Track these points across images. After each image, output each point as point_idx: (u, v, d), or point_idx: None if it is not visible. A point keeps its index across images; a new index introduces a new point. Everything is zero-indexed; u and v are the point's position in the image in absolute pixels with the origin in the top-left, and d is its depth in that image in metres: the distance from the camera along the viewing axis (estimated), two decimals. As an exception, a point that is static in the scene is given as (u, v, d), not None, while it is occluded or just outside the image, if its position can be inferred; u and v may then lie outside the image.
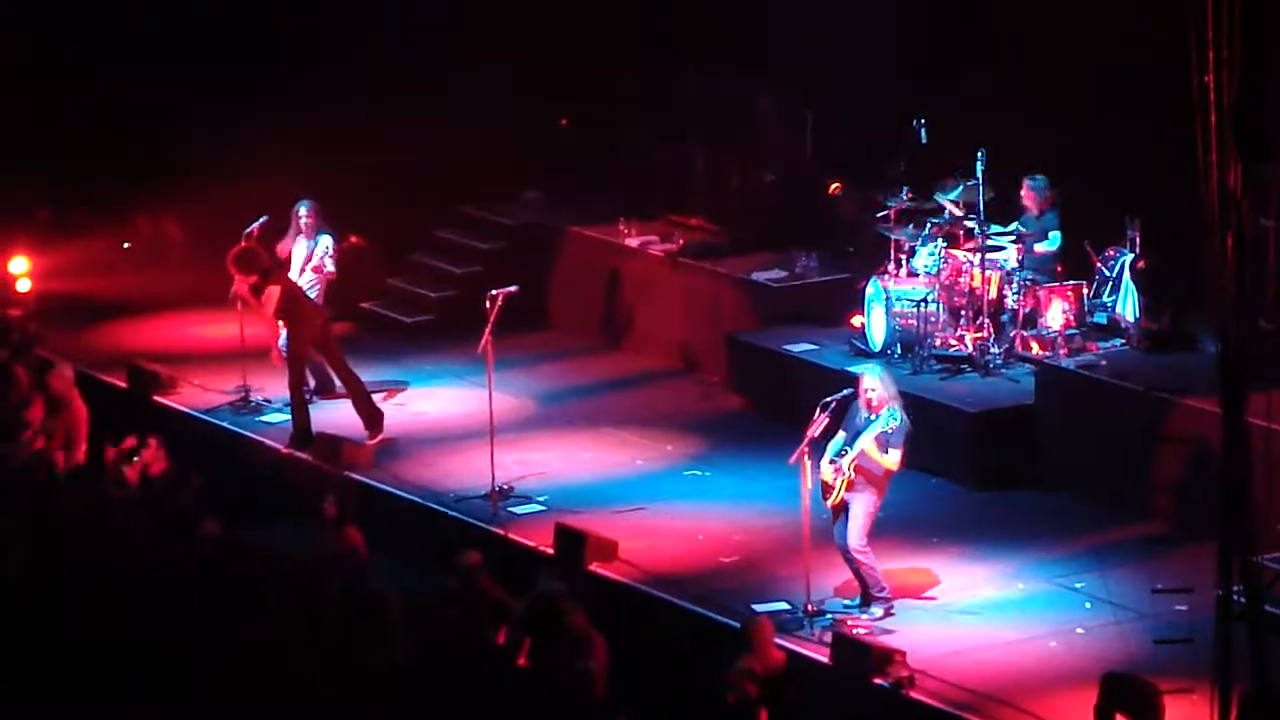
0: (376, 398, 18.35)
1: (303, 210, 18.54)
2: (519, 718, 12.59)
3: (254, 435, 18.12)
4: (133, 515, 15.49)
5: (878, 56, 19.44)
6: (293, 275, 18.43)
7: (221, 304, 18.81)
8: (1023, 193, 17.77)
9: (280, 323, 17.89)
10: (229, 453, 18.03)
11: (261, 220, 18.47)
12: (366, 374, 19.21)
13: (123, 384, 19.20)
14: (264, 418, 18.42)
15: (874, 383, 14.55)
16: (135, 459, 16.62)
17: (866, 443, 14.38)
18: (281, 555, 15.02)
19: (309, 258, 18.51)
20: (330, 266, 18.52)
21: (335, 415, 18.33)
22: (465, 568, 14.39)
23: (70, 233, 22.48)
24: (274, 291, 17.70)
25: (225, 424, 18.38)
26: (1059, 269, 17.70)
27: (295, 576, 14.68)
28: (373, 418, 17.87)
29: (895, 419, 14.39)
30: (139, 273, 22.17)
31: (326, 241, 18.55)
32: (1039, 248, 17.62)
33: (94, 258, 22.36)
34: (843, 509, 14.51)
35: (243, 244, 17.99)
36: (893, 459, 14.45)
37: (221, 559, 14.47)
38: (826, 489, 14.50)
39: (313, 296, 18.44)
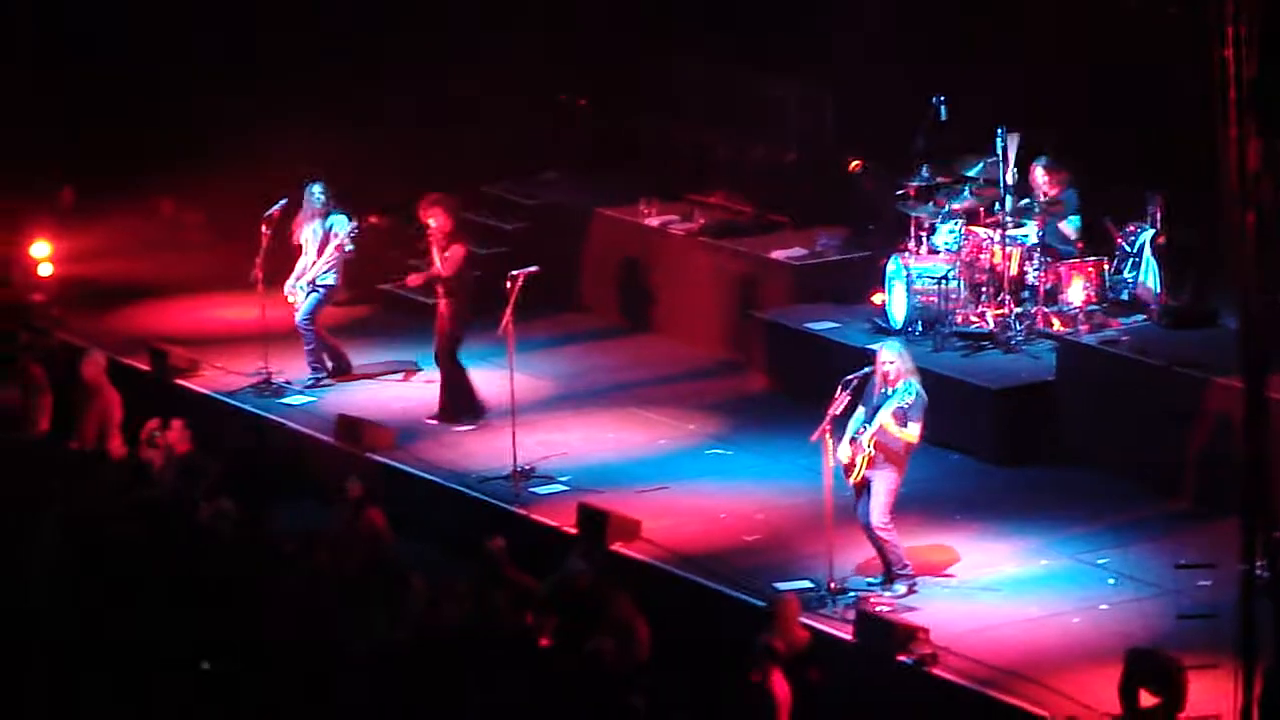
0: (393, 379, 18.37)
1: (315, 191, 18.54)
2: (538, 696, 12.64)
3: (278, 418, 18.17)
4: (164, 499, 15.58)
5: (896, 35, 19.43)
6: (309, 257, 18.45)
7: (243, 287, 18.84)
8: (1038, 175, 17.70)
9: (447, 287, 17.53)
10: (253, 434, 18.08)
11: (282, 203, 18.51)
12: (386, 355, 19.28)
13: (145, 367, 19.24)
14: (286, 400, 18.45)
15: (891, 356, 14.55)
16: (159, 442, 16.69)
17: (884, 418, 14.38)
18: (304, 535, 15.10)
19: (326, 238, 18.50)
20: (349, 245, 18.52)
21: (356, 397, 18.38)
22: (489, 553, 14.42)
23: (92, 216, 22.52)
24: (459, 252, 17.54)
25: (248, 407, 18.41)
26: (1079, 245, 17.69)
27: (318, 555, 14.76)
28: (459, 407, 17.71)
29: (912, 393, 14.38)
30: (160, 256, 22.19)
31: (342, 220, 18.53)
32: (1062, 226, 17.59)
33: (116, 241, 22.40)
34: (865, 486, 14.51)
35: (438, 195, 17.77)
36: (912, 432, 14.44)
37: (242, 538, 14.58)
38: (848, 467, 14.51)
39: (330, 274, 18.45)
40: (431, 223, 17.66)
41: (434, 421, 17.67)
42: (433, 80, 21.80)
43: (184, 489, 15.90)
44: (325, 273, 18.48)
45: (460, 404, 17.72)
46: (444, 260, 17.56)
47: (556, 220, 20.96)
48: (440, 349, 17.77)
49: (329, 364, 18.63)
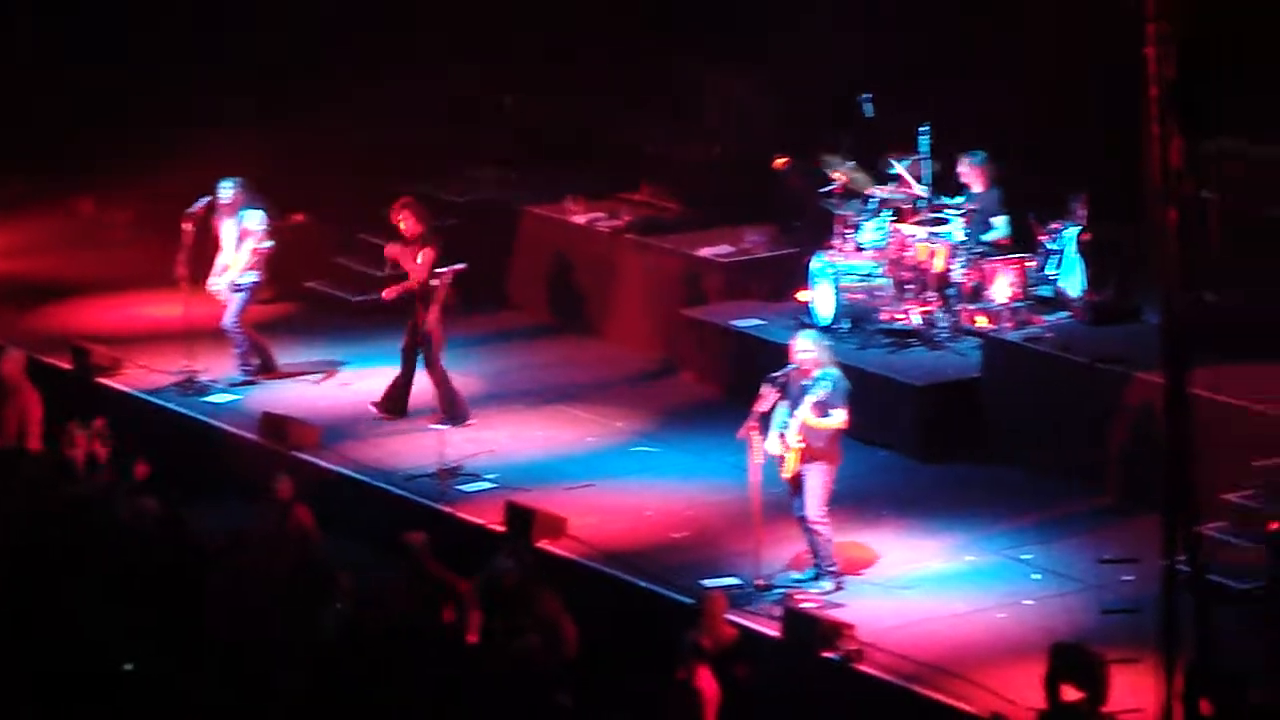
0: (312, 380, 18.31)
1: (224, 186, 18.42)
2: (465, 693, 12.62)
3: (201, 416, 18.07)
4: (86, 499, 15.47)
5: (826, 30, 19.48)
6: (228, 253, 18.36)
7: (166, 284, 18.74)
8: (963, 169, 17.82)
9: (420, 291, 17.27)
10: (176, 433, 17.98)
11: (205, 200, 18.41)
12: (309, 353, 19.21)
13: (67, 366, 19.11)
14: (210, 398, 18.36)
15: (806, 345, 14.58)
16: (79, 440, 16.55)
17: (804, 412, 14.41)
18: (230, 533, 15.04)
19: (242, 234, 18.39)
20: (266, 240, 18.38)
21: (282, 395, 18.31)
22: (409, 547, 14.38)
23: (11, 214, 22.35)
24: (430, 255, 17.37)
25: (171, 405, 18.31)
26: (1005, 243, 17.76)
27: (244, 554, 14.70)
28: (457, 409, 17.52)
29: (829, 381, 14.41)
30: (82, 254, 22.04)
31: (256, 215, 18.41)
32: (987, 237, 17.67)
33: (36, 239, 22.24)
34: (799, 481, 14.55)
35: (408, 198, 17.68)
36: (836, 420, 14.46)
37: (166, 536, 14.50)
38: (781, 463, 14.54)
39: (250, 271, 18.35)
40: (401, 225, 17.47)
41: (441, 427, 17.23)
42: (363, 78, 21.72)
43: (105, 488, 15.78)
44: (245, 271, 18.39)
45: (457, 406, 17.54)
46: (416, 266, 17.36)
47: (485, 218, 20.91)
48: (426, 355, 17.41)
49: (254, 360, 18.55)
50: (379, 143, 21.57)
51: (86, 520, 14.96)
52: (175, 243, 18.33)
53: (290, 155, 21.04)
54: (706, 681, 13.00)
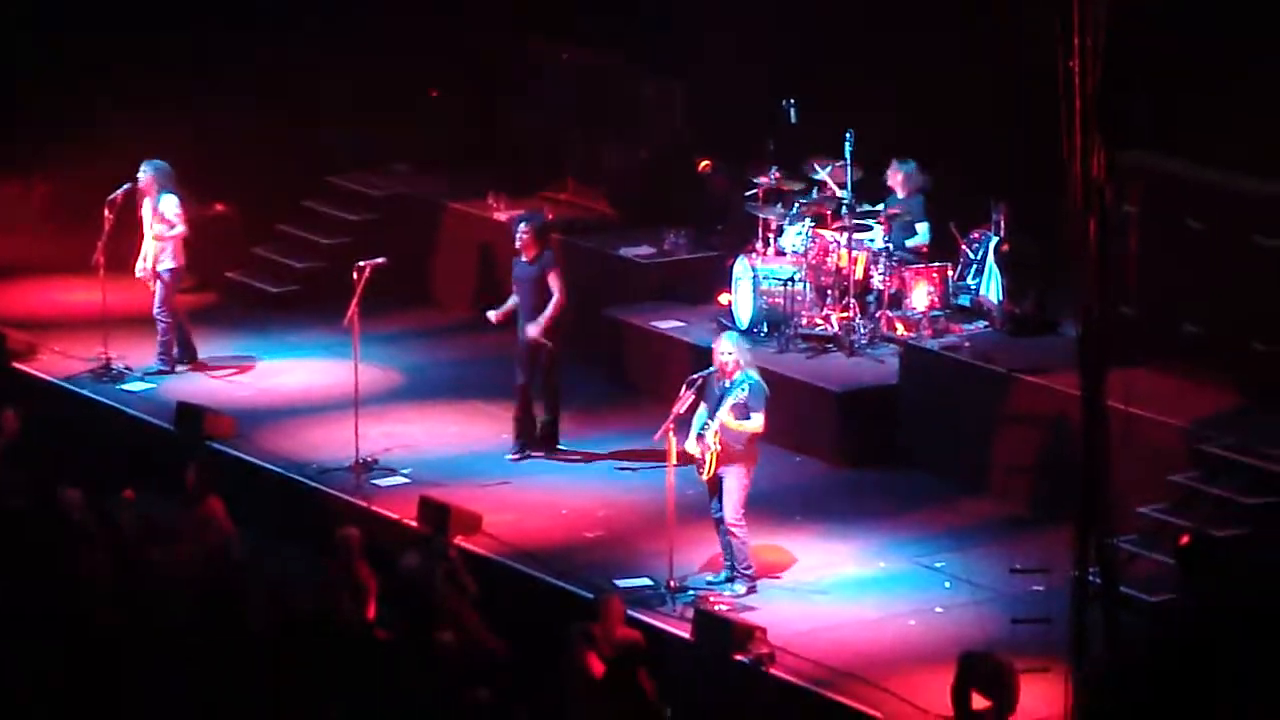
0: (222, 375, 18.27)
1: (142, 168, 18.30)
2: (379, 688, 12.56)
3: (116, 404, 17.95)
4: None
5: (751, 36, 19.50)
6: (148, 239, 18.25)
7: (84, 270, 18.60)
8: (891, 175, 17.88)
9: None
10: (90, 421, 17.85)
11: (126, 186, 18.29)
12: (228, 345, 19.08)
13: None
14: (125, 385, 18.24)
15: (728, 347, 14.61)
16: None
17: (723, 415, 14.43)
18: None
19: (156, 220, 18.27)
20: (180, 225, 18.26)
21: (199, 385, 18.21)
22: (342, 540, 14.29)
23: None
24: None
25: (86, 392, 18.17)
26: (924, 250, 17.84)
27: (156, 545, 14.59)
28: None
29: (748, 385, 14.43)
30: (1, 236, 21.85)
31: (170, 200, 18.27)
32: (910, 243, 17.74)
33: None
34: (717, 483, 14.55)
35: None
36: (755, 423, 14.48)
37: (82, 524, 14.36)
38: (699, 464, 14.54)
39: (168, 258, 18.22)
40: (522, 235, 16.57)
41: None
42: (289, 71, 21.60)
43: (17, 477, 15.63)
44: (163, 257, 18.28)
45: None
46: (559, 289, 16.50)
47: (404, 212, 20.85)
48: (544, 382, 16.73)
49: (175, 352, 18.43)
50: (299, 135, 21.44)
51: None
52: (96, 228, 18.21)
53: (216, 143, 20.91)
54: (595, 664, 12.94)
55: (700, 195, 19.55)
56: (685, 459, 14.55)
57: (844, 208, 17.71)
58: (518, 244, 16.73)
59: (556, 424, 16.93)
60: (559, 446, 16.91)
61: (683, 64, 20.11)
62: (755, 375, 14.54)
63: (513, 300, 16.83)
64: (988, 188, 17.41)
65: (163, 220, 18.25)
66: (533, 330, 16.55)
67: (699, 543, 14.95)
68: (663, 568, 14.66)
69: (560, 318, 16.65)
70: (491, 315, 16.91)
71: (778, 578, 14.90)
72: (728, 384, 14.49)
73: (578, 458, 16.83)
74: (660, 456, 14.68)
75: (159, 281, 18.31)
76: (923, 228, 17.80)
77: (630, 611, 13.93)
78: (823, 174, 17.96)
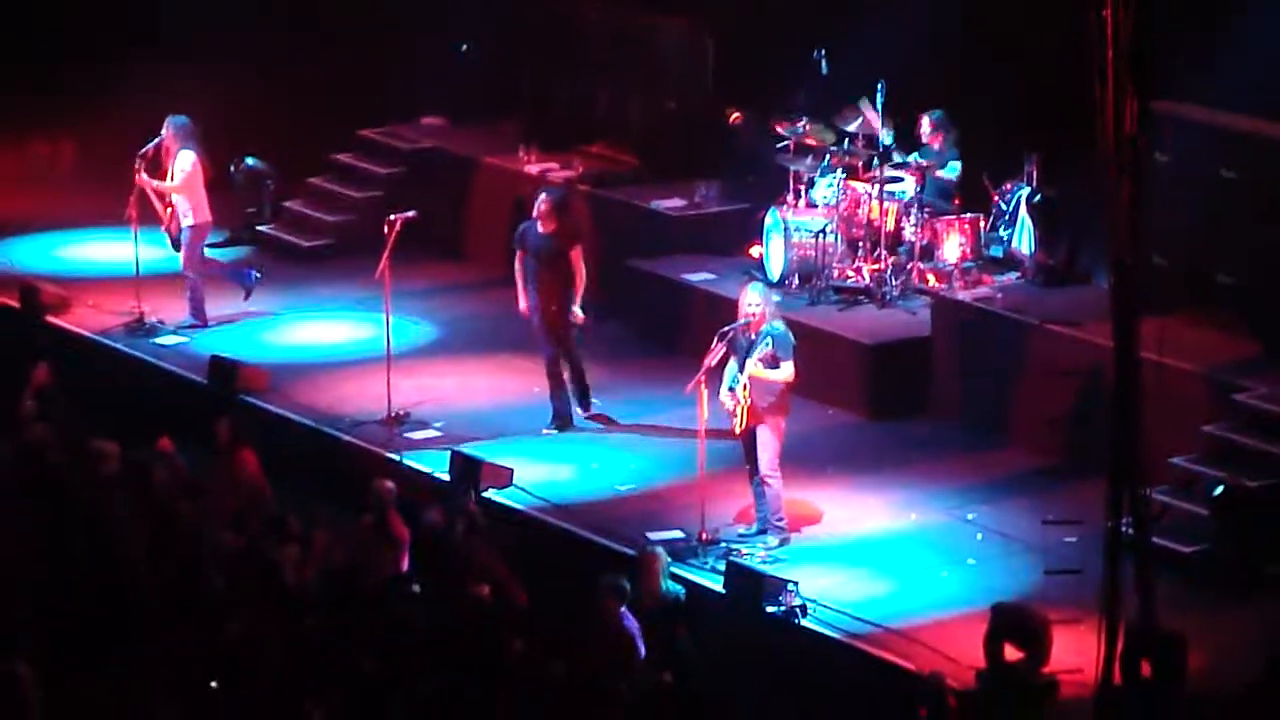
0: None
1: (167, 122, 18.27)
2: (416, 642, 12.60)
3: (149, 358, 18.00)
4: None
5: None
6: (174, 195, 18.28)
7: (117, 224, 18.64)
8: (924, 128, 17.81)
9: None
10: (123, 375, 17.90)
11: (155, 141, 18.30)
12: (259, 300, 19.08)
13: (14, 304, 18.99)
14: (158, 339, 18.29)
15: (755, 299, 14.59)
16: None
17: (753, 366, 14.42)
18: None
19: (176, 175, 18.25)
20: (176, 181, 18.13)
21: (232, 339, 18.26)
22: (378, 493, 14.31)
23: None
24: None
25: (119, 346, 18.23)
26: (957, 201, 17.78)
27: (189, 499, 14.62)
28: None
29: (775, 335, 14.42)
30: (32, 192, 21.88)
31: (186, 155, 18.24)
32: (939, 174, 17.70)
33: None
34: (751, 435, 14.55)
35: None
36: (785, 372, 14.47)
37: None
38: (731, 417, 14.54)
39: (188, 214, 18.21)
40: (540, 205, 16.52)
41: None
42: (310, 20, 21.58)
43: (54, 431, 15.67)
44: (186, 214, 18.28)
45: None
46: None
47: (433, 166, 20.83)
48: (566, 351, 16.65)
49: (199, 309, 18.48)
50: (327, 88, 21.42)
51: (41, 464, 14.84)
52: (128, 182, 18.23)
53: (237, 99, 20.91)
54: (626, 619, 12.95)
55: (730, 147, 19.50)
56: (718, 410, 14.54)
57: (878, 157, 17.66)
58: (535, 213, 16.68)
59: (586, 385, 16.83)
60: (594, 401, 16.87)
61: (714, 15, 20.01)
62: (781, 326, 14.53)
63: (527, 287, 16.58)
64: (1020, 138, 17.35)
65: (181, 175, 18.21)
66: (575, 317, 16.41)
67: (730, 496, 14.96)
68: (694, 520, 14.67)
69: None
70: (523, 306, 16.75)
71: (809, 531, 14.91)
72: (755, 335, 14.48)
73: (606, 418, 16.79)
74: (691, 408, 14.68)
75: (182, 237, 18.32)
76: (952, 163, 17.73)
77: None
78: (856, 123, 17.89)
